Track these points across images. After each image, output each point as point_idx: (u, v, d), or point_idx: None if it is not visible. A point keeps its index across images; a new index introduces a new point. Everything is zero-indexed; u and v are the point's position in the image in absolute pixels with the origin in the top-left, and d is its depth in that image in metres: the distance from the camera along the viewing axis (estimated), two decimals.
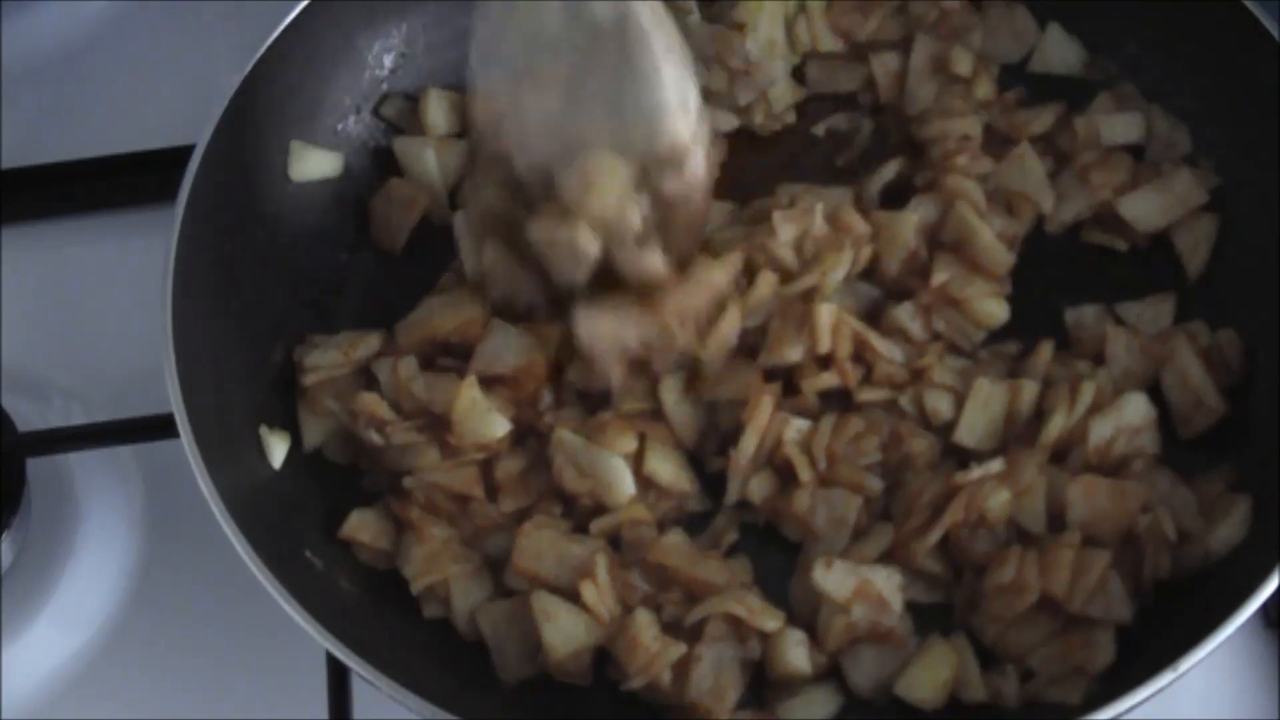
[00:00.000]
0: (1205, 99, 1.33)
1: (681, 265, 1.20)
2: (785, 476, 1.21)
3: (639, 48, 1.12)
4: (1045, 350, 1.24)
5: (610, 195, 1.14)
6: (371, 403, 1.22)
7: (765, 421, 1.20)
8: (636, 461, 1.20)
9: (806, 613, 1.17)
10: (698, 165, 1.17)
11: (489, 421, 1.20)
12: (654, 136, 1.14)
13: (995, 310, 1.26)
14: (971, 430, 1.21)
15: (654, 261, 1.17)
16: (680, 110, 1.14)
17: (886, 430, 1.21)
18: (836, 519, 1.19)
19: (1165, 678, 1.03)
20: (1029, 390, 1.21)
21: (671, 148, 1.15)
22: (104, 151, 1.49)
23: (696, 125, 1.16)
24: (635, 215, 1.15)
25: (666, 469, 1.21)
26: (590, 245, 1.15)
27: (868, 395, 1.23)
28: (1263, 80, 1.26)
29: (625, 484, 1.19)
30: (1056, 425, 1.18)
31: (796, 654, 1.14)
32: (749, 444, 1.20)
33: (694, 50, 1.23)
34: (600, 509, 1.20)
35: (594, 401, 1.24)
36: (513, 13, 1.14)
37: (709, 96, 1.34)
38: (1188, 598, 1.14)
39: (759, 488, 1.21)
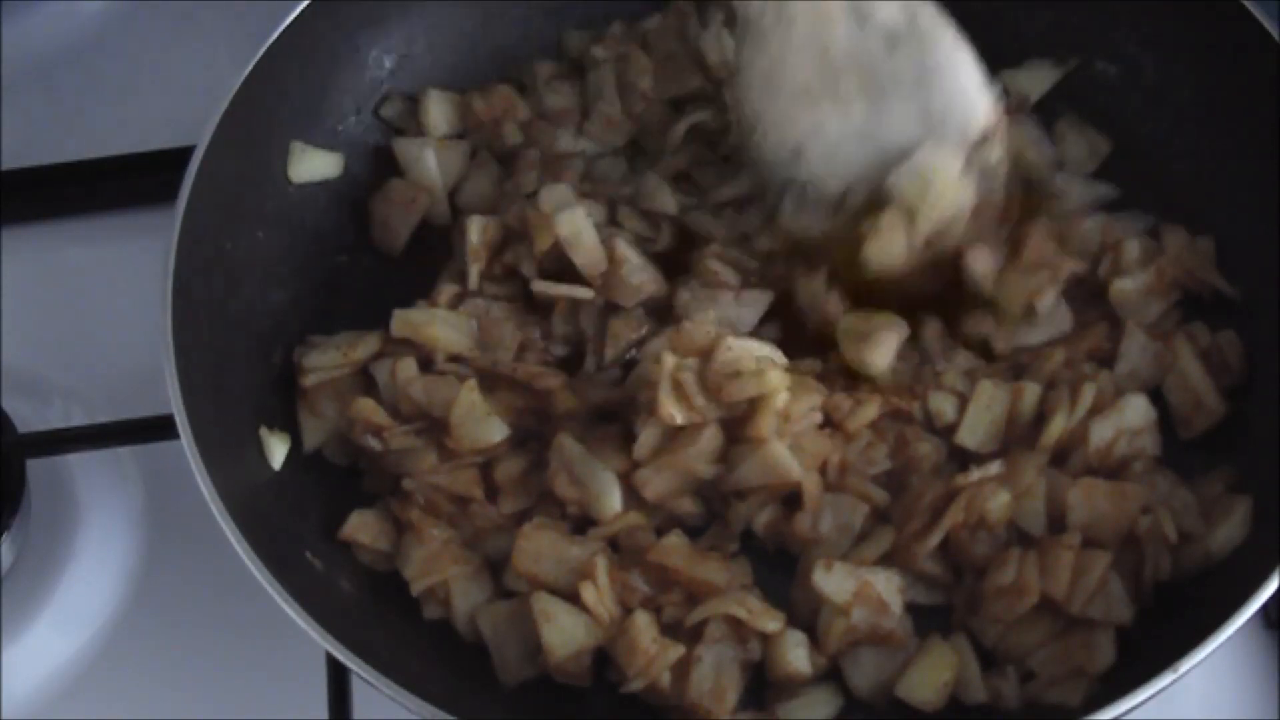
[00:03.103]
0: (1205, 99, 1.33)
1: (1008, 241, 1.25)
2: (789, 502, 1.20)
3: (935, 38, 1.18)
4: (1056, 355, 1.23)
5: (951, 186, 1.19)
6: (368, 409, 1.22)
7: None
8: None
9: (806, 614, 1.17)
10: (1003, 139, 1.22)
11: (487, 425, 1.20)
12: (969, 119, 1.19)
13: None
14: (973, 431, 1.22)
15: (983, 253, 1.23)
16: (982, 88, 1.19)
17: (892, 436, 1.21)
18: (842, 526, 1.19)
19: (1165, 679, 1.03)
20: (1030, 392, 1.21)
21: (986, 126, 1.19)
22: (104, 152, 1.49)
23: (995, 101, 1.20)
24: (970, 198, 1.20)
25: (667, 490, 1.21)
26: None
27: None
28: (1263, 80, 1.26)
29: (613, 500, 1.19)
30: (1057, 427, 1.18)
31: (797, 655, 1.14)
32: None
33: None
34: (589, 519, 1.21)
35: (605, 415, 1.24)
36: (794, 38, 1.18)
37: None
38: (1188, 599, 1.14)
39: (762, 516, 1.21)
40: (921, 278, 1.24)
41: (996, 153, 1.21)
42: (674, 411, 1.17)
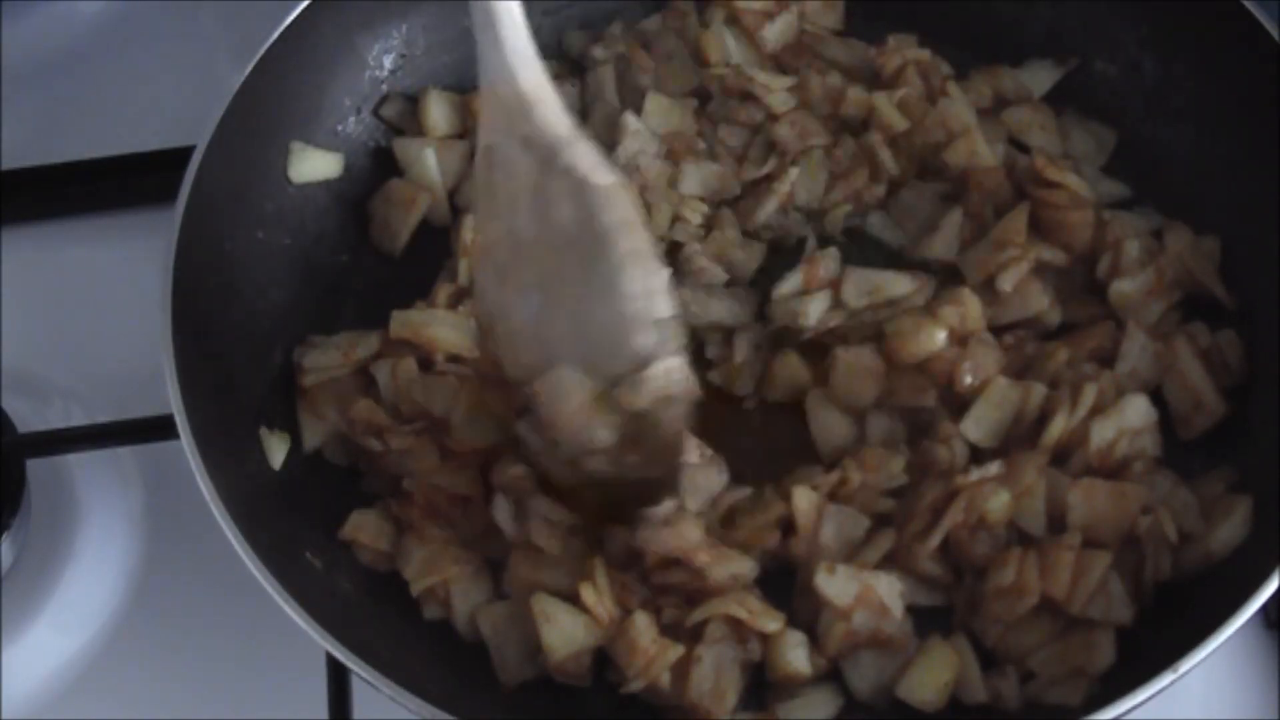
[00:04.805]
0: (1205, 99, 1.33)
1: (663, 475, 1.16)
2: (785, 525, 1.20)
3: (601, 251, 1.04)
4: (1059, 355, 1.23)
5: (573, 412, 1.09)
6: (368, 410, 1.22)
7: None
8: None
9: (807, 616, 1.17)
10: (665, 380, 1.08)
11: (488, 426, 1.20)
12: (615, 352, 1.07)
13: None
14: (978, 424, 1.22)
15: (630, 467, 1.13)
16: (642, 324, 1.06)
17: (906, 451, 1.21)
18: (845, 538, 1.19)
19: (1165, 679, 1.03)
20: (1036, 393, 1.21)
21: (633, 363, 1.07)
22: (104, 152, 1.48)
23: (663, 339, 1.08)
24: (601, 432, 1.10)
25: None
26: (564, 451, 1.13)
27: None
28: (1263, 80, 1.26)
29: None
30: (1058, 427, 1.18)
31: (796, 655, 1.14)
32: None
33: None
34: None
35: None
36: (495, 211, 1.08)
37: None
38: (1188, 599, 1.14)
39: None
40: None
41: (658, 391, 1.08)
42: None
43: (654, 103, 1.37)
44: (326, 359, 1.26)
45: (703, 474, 1.19)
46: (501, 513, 1.18)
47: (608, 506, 1.17)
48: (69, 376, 1.41)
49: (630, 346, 1.07)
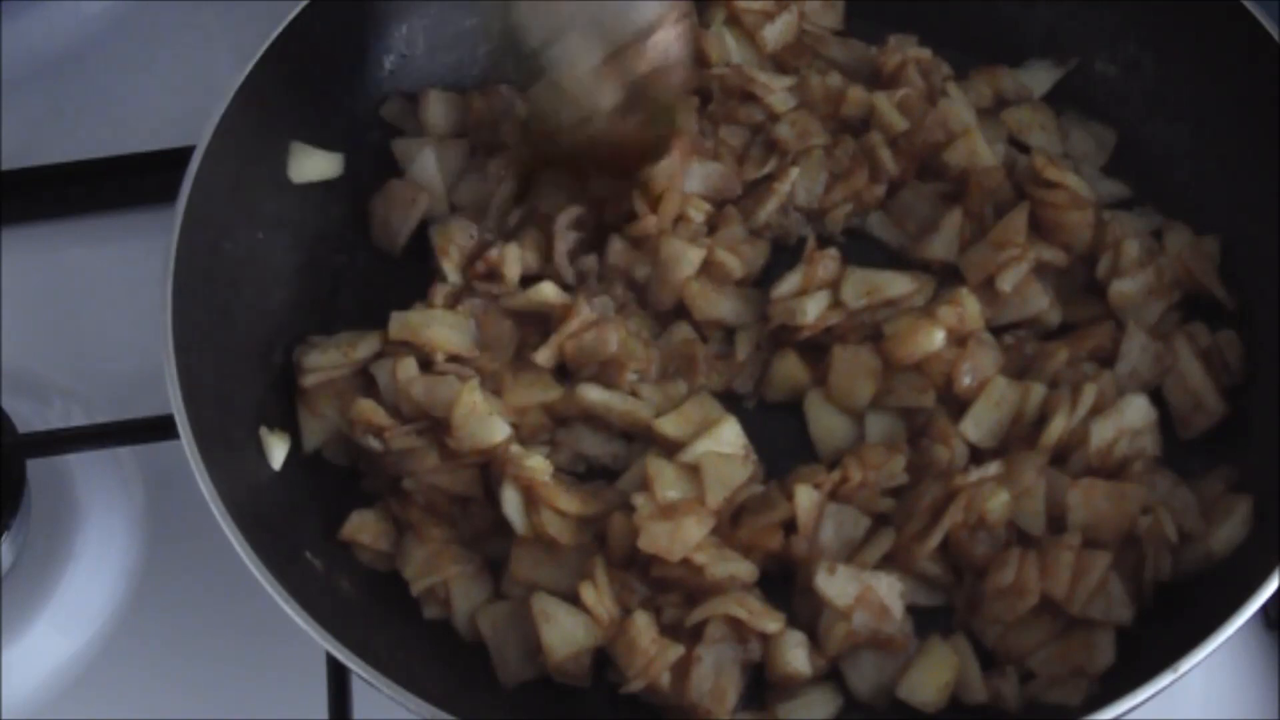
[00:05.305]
0: (1205, 99, 1.33)
1: (660, 138, 1.27)
2: (786, 527, 1.20)
3: None
4: (1059, 354, 1.23)
5: (583, 75, 1.20)
6: (368, 410, 1.22)
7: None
8: None
9: (807, 617, 1.17)
10: (666, 44, 1.21)
11: (489, 425, 1.20)
12: (621, 19, 1.19)
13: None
14: (978, 424, 1.22)
15: (630, 128, 1.24)
16: None
17: (907, 451, 1.21)
18: (845, 537, 1.19)
19: (1165, 679, 1.03)
20: (1036, 393, 1.21)
21: (638, 30, 1.19)
22: (104, 152, 1.48)
23: (664, 5, 1.20)
24: (607, 95, 1.21)
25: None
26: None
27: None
28: (1263, 80, 1.26)
29: None
30: (1057, 427, 1.18)
31: (796, 655, 1.14)
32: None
33: None
34: None
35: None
36: None
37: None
38: (1188, 599, 1.14)
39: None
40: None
41: (662, 55, 1.21)
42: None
43: None
44: (326, 359, 1.26)
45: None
46: (511, 505, 1.18)
47: (605, 165, 1.28)
48: (69, 376, 1.41)
49: (634, 13, 1.18)
